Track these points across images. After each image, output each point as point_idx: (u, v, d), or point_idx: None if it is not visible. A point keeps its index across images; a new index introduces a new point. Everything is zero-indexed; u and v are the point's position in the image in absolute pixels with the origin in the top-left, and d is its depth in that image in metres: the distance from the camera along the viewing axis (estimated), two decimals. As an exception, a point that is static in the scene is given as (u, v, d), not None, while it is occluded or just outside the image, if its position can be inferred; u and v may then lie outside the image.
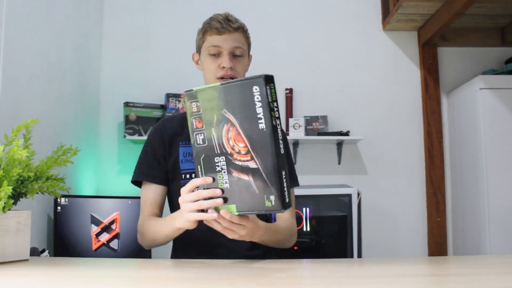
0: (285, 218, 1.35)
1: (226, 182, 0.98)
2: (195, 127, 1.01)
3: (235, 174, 0.96)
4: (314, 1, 3.25)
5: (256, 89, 0.92)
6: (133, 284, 0.90)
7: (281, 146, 0.93)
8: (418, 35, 3.22)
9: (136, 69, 3.12)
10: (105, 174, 3.01)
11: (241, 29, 1.35)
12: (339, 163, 3.11)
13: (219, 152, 0.98)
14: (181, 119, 1.43)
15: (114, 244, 2.39)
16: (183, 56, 3.23)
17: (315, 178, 3.03)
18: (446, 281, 0.96)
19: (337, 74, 3.18)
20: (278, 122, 0.93)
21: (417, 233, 3.09)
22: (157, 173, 1.35)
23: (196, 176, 1.03)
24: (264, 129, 0.92)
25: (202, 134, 1.00)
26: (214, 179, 1.00)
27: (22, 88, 1.94)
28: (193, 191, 1.04)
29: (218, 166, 0.99)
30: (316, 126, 3.02)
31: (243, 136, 0.94)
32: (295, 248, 2.29)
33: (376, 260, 1.19)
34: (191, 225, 1.07)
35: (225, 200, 0.99)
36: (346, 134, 3.00)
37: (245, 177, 0.95)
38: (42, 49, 2.14)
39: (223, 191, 0.99)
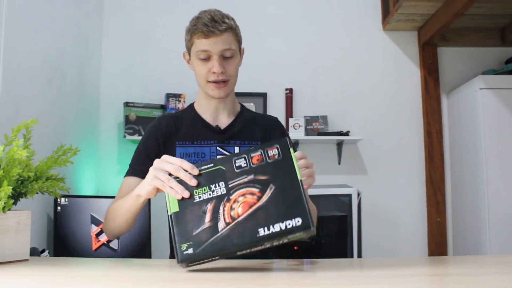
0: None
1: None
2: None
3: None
4: (314, 1, 3.25)
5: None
6: (133, 284, 0.90)
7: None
8: (418, 35, 3.22)
9: (136, 69, 3.12)
10: (105, 174, 3.01)
11: (229, 29, 1.31)
12: (339, 163, 3.11)
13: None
14: (177, 118, 1.42)
15: (114, 244, 2.39)
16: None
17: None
18: (446, 281, 0.96)
19: (337, 74, 3.18)
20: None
21: (417, 233, 3.09)
22: (146, 169, 1.34)
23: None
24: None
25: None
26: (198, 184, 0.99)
27: (22, 88, 1.93)
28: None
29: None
30: (316, 126, 3.02)
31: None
32: (295, 248, 2.30)
33: (376, 260, 1.19)
34: (150, 191, 1.05)
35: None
36: (346, 134, 3.00)
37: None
38: (42, 49, 2.14)
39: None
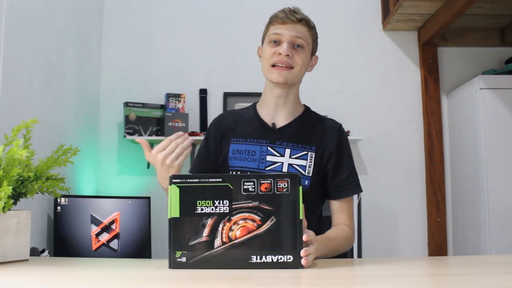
0: (338, 223, 1.37)
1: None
2: None
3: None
4: (314, 1, 3.25)
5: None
6: (133, 284, 0.90)
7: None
8: (418, 35, 3.21)
9: (136, 69, 3.12)
10: (105, 174, 3.01)
11: (305, 22, 1.37)
12: (339, 163, 3.11)
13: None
14: (236, 115, 1.47)
15: (114, 244, 2.39)
16: (183, 56, 3.24)
17: (315, 178, 3.03)
18: (446, 281, 0.96)
19: (337, 74, 3.18)
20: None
21: (417, 233, 3.08)
22: (203, 166, 1.42)
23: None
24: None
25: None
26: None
27: (22, 88, 1.93)
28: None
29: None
30: (316, 126, 3.02)
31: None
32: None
33: (376, 260, 1.19)
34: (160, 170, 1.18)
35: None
36: (346, 134, 2.99)
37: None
38: (42, 49, 2.14)
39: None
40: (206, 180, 1.01)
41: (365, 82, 3.18)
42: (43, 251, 2.02)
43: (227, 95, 3.05)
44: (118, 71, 3.11)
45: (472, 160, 2.81)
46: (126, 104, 2.92)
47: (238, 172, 1.35)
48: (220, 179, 1.01)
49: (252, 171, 1.35)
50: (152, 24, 3.16)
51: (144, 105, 2.95)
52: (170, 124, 2.89)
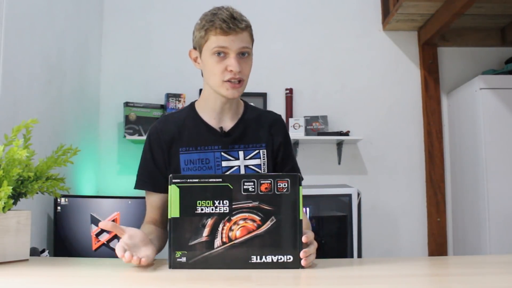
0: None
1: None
2: None
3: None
4: (314, 1, 3.25)
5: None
6: (133, 284, 0.90)
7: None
8: (418, 35, 3.21)
9: (136, 69, 3.12)
10: (105, 174, 3.01)
11: (248, 28, 1.27)
12: (339, 163, 3.11)
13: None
14: (176, 121, 1.37)
15: (114, 244, 2.38)
16: (183, 56, 3.21)
17: (315, 178, 3.03)
18: (446, 281, 0.96)
19: (337, 74, 3.18)
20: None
21: (417, 233, 3.08)
22: (157, 181, 1.33)
23: None
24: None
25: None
26: None
27: (22, 88, 1.93)
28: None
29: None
30: (316, 126, 3.02)
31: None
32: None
33: (376, 260, 1.19)
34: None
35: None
36: (346, 134, 3.00)
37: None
38: (42, 49, 2.14)
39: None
40: (206, 180, 1.01)
41: (365, 82, 3.18)
42: (43, 251, 2.02)
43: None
44: (118, 71, 3.10)
45: (472, 160, 2.81)
46: (126, 104, 2.92)
47: None
48: (220, 179, 1.01)
49: None
50: (152, 24, 3.16)
51: (144, 105, 2.95)
52: (170, 124, 2.89)
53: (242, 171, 1.33)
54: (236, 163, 1.34)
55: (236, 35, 1.23)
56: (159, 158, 1.34)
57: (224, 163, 1.33)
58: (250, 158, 1.36)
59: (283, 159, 1.40)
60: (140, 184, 1.35)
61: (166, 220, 1.28)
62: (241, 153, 1.35)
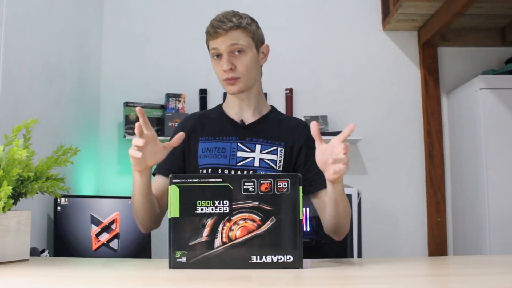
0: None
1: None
2: None
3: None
4: (314, 1, 3.25)
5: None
6: (133, 284, 0.90)
7: None
8: (418, 35, 3.21)
9: (136, 69, 3.11)
10: (105, 174, 3.01)
11: (235, 27, 1.33)
12: (339, 163, 3.11)
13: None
14: (201, 116, 1.46)
15: (114, 244, 2.39)
16: (183, 56, 3.23)
17: (315, 178, 3.03)
18: (446, 281, 0.96)
19: (337, 74, 3.18)
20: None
21: (417, 233, 3.08)
22: (169, 166, 1.37)
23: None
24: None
25: None
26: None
27: (22, 88, 1.93)
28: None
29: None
30: (316, 126, 3.02)
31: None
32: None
33: (376, 260, 1.19)
34: (133, 163, 1.15)
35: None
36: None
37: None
38: (42, 49, 2.14)
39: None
40: (206, 180, 1.02)
41: (365, 82, 3.18)
42: (43, 251, 2.02)
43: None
44: (118, 71, 3.10)
45: (472, 160, 2.81)
46: (126, 104, 2.92)
47: (209, 169, 1.34)
48: (220, 179, 1.02)
49: (223, 167, 1.35)
50: (152, 24, 3.16)
51: (144, 105, 2.94)
52: (170, 124, 2.89)
53: (257, 164, 1.35)
54: (251, 154, 1.37)
55: (225, 35, 1.32)
56: (177, 146, 1.37)
57: (239, 153, 1.36)
58: (267, 153, 1.38)
59: (307, 162, 1.38)
60: (156, 169, 1.40)
61: (162, 203, 1.34)
62: (258, 146, 1.38)
